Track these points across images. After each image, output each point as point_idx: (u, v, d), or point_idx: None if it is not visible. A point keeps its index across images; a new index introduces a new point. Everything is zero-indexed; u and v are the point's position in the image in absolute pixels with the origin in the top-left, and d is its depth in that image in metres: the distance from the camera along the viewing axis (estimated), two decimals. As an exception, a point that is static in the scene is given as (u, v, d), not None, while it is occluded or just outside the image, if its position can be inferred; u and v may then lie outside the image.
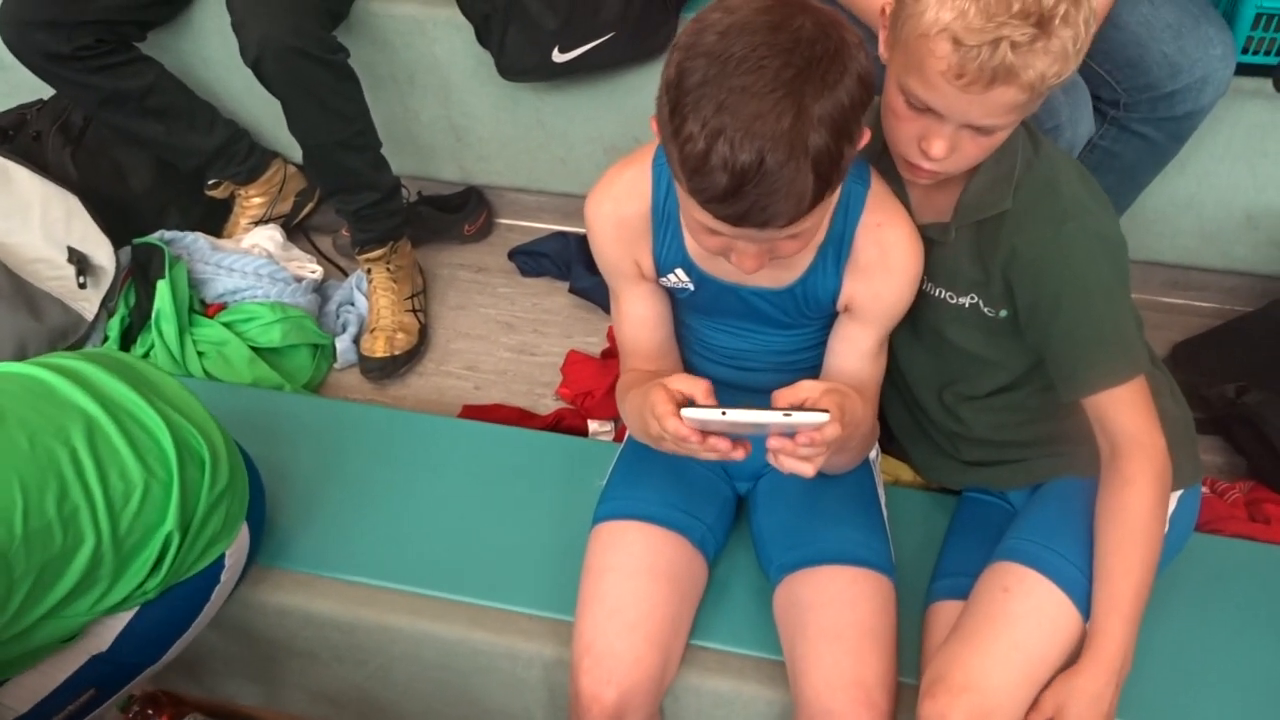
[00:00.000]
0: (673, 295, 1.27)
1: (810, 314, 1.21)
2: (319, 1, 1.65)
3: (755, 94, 0.89)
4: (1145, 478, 1.11)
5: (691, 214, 1.00)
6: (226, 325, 1.78)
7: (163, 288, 1.76)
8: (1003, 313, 1.18)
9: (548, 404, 1.81)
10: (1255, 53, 1.54)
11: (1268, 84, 1.56)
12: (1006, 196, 1.12)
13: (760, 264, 1.02)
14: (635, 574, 1.25)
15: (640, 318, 1.27)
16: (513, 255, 2.06)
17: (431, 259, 2.07)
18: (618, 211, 1.19)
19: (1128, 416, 1.12)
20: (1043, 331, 1.15)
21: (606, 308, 1.94)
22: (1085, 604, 1.12)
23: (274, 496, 1.46)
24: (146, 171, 1.98)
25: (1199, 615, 1.30)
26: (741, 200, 0.91)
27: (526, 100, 1.89)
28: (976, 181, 1.13)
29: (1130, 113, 1.49)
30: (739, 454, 1.03)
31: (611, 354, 1.83)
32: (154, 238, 1.86)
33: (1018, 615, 1.12)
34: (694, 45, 0.93)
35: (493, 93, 1.90)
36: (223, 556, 1.27)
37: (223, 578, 1.28)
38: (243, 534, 1.32)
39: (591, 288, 1.95)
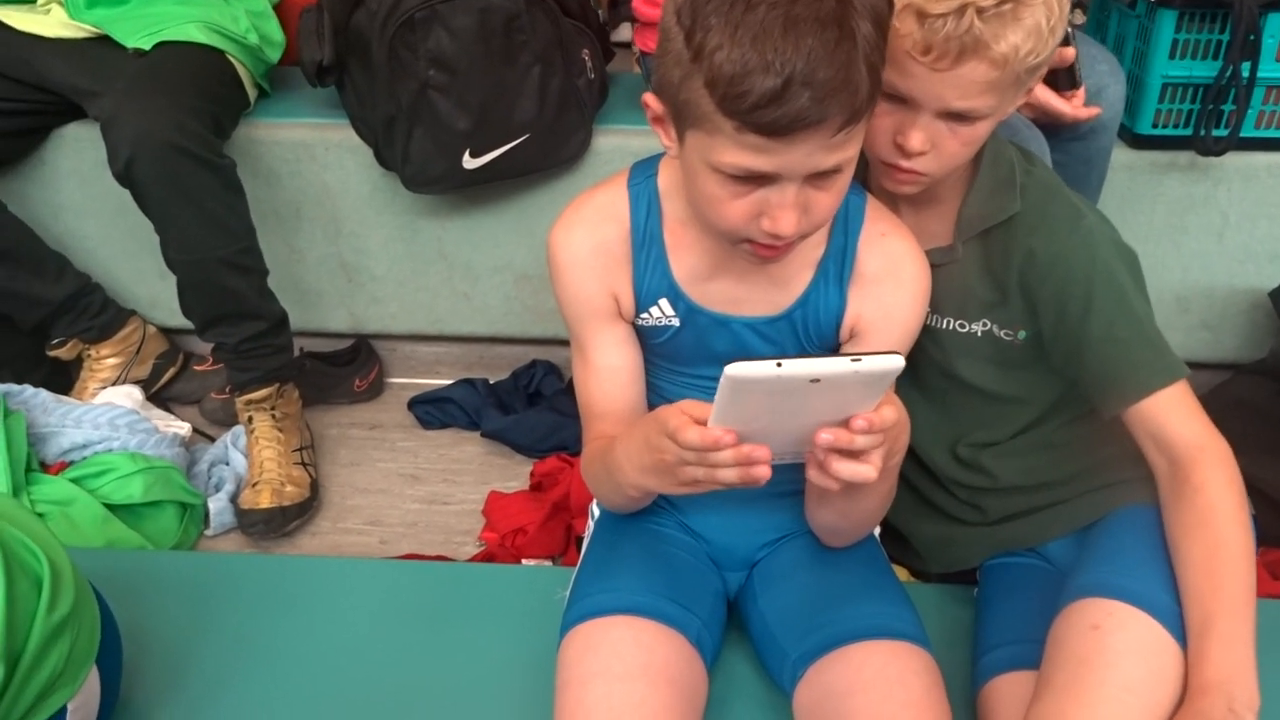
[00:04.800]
0: (645, 344, 1.10)
1: (810, 347, 1.07)
2: (205, 103, 1.49)
3: None
4: (1218, 482, 0.99)
5: (720, 160, 0.85)
6: (75, 481, 1.48)
7: (-9, 438, 1.45)
8: (1021, 334, 1.10)
9: (469, 550, 1.56)
10: (1165, 126, 1.57)
11: (1181, 157, 1.59)
12: (1014, 200, 1.07)
13: (798, 223, 0.88)
14: (627, 677, 0.99)
15: (614, 369, 1.09)
16: (413, 405, 1.85)
17: (317, 420, 1.83)
18: (593, 236, 1.04)
19: (1182, 421, 1.02)
20: (1075, 340, 1.05)
21: (524, 449, 1.75)
22: (1184, 636, 0.95)
23: (131, 668, 1.14)
24: (-25, 327, 1.71)
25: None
26: (792, 98, 0.78)
27: (427, 228, 1.76)
28: (975, 192, 1.08)
29: None
30: (767, 470, 0.84)
31: (540, 486, 1.60)
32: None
33: (1119, 652, 0.93)
34: None
35: (389, 223, 1.75)
36: (64, 711, 0.95)
37: None
38: (91, 682, 1.00)
39: (505, 429, 1.75)
